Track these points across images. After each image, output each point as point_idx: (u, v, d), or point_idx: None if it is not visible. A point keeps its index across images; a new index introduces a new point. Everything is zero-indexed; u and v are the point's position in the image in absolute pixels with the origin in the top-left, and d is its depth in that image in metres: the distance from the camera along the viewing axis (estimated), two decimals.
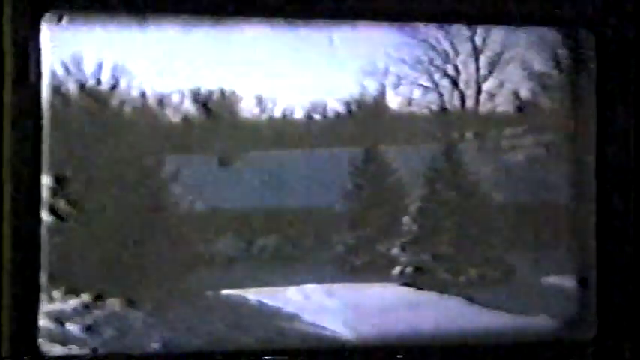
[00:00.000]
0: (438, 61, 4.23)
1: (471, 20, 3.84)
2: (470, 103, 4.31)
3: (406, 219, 4.25)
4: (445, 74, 4.26)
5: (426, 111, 4.26)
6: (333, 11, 3.50)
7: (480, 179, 4.34)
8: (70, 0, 3.26)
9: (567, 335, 4.15)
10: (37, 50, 3.16)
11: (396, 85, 4.21)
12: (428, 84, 4.25)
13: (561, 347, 3.69)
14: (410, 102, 4.24)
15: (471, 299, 4.26)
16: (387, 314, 4.13)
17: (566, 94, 4.36)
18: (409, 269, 4.24)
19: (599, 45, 3.55)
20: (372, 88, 4.17)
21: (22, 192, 3.15)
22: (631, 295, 3.61)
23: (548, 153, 4.40)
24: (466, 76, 4.29)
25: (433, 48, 4.21)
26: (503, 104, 4.34)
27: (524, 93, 4.34)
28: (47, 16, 3.16)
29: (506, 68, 4.31)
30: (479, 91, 4.31)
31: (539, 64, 4.31)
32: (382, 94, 4.20)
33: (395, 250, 4.24)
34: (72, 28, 3.44)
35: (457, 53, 4.25)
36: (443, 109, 4.26)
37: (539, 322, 4.21)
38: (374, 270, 4.21)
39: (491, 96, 4.33)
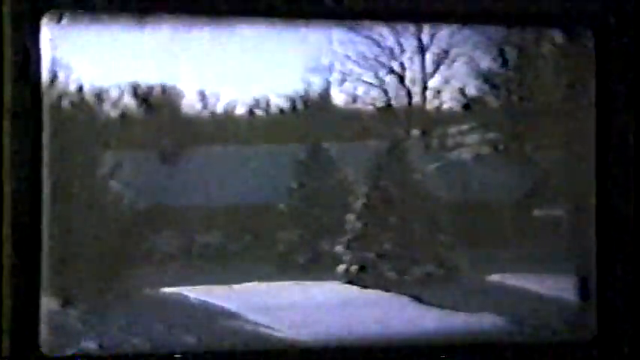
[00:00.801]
0: (384, 58, 4.20)
1: (473, 20, 3.83)
2: (416, 100, 4.28)
3: (350, 216, 4.22)
4: (391, 71, 4.23)
5: (371, 108, 4.23)
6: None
7: (425, 177, 4.32)
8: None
9: (514, 333, 4.16)
10: (37, 50, 3.17)
11: (341, 82, 4.17)
12: (373, 81, 4.22)
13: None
14: (355, 99, 4.21)
15: (416, 297, 4.24)
16: (332, 313, 4.10)
17: (513, 92, 4.36)
18: (354, 267, 4.21)
19: (599, 45, 3.56)
20: (316, 84, 4.14)
21: (22, 192, 3.16)
22: (631, 295, 3.62)
23: (494, 151, 4.39)
24: (412, 73, 4.26)
25: (378, 44, 4.17)
26: (450, 102, 4.32)
27: (470, 91, 4.32)
28: (47, 16, 3.18)
29: (453, 65, 4.29)
30: (425, 88, 4.29)
31: (485, 62, 4.30)
32: (327, 90, 4.16)
33: (339, 248, 4.20)
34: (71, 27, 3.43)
35: (403, 50, 4.22)
36: (388, 106, 4.23)
37: (484, 320, 4.21)
38: (318, 268, 4.18)
39: (438, 93, 4.31)
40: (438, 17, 3.84)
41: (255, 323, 4.03)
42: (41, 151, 3.21)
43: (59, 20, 3.34)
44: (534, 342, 3.86)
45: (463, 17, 3.79)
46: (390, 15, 3.76)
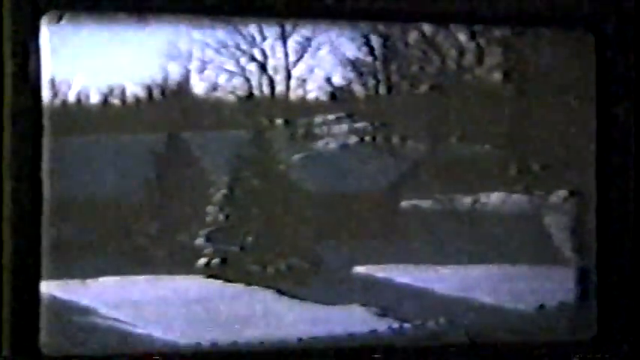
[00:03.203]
0: (244, 45, 4.11)
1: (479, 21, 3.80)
2: (279, 89, 4.20)
3: (211, 208, 4.12)
4: (252, 59, 4.14)
5: (232, 97, 4.13)
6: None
7: (289, 167, 4.25)
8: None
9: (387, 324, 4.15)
10: (37, 50, 3.18)
11: (201, 70, 4.07)
12: (234, 69, 4.12)
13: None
14: (215, 87, 4.11)
15: (279, 291, 4.18)
16: (193, 308, 4.01)
17: (381, 81, 4.33)
18: (215, 261, 4.12)
19: (599, 45, 3.58)
20: (175, 72, 4.03)
21: (22, 192, 3.17)
22: (631, 293, 3.64)
23: (361, 141, 4.35)
24: (275, 61, 4.18)
25: (238, 31, 4.08)
26: (315, 91, 4.25)
27: (337, 79, 4.26)
28: (47, 16, 3.19)
29: (317, 54, 4.22)
30: (289, 76, 4.21)
31: (351, 51, 4.25)
32: (186, 78, 4.06)
33: (199, 241, 4.10)
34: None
35: (264, 37, 4.13)
36: (250, 95, 4.14)
37: (351, 312, 4.18)
38: (177, 262, 4.07)
39: (302, 82, 4.23)
40: (439, 18, 3.82)
41: (111, 319, 3.92)
42: (42, 151, 3.23)
43: (59, 20, 3.34)
44: (534, 342, 3.85)
45: (459, 18, 3.78)
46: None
